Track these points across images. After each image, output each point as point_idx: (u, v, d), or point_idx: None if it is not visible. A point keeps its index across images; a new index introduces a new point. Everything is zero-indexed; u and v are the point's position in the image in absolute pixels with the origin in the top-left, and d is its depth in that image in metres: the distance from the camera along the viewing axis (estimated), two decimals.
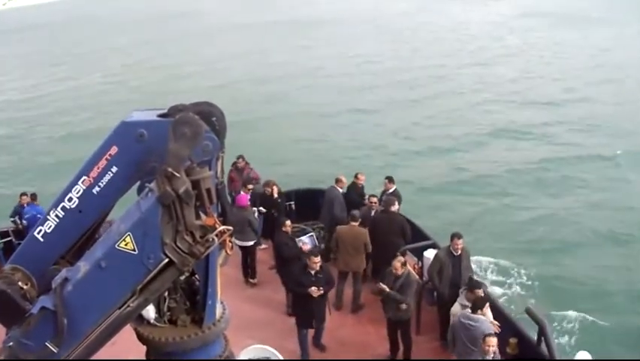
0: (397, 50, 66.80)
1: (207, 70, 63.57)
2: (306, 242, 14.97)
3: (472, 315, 11.71)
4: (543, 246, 24.54)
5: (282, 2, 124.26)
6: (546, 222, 26.17)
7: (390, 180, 17.57)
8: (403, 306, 13.04)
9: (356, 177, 18.15)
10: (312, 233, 14.90)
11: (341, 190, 17.57)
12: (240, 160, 19.55)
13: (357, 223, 15.25)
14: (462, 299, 12.74)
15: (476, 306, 11.84)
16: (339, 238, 15.30)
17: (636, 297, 20.85)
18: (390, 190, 17.36)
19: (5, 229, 18.46)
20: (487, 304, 12.08)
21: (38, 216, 17.61)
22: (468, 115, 42.16)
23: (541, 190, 29.65)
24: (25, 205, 18.59)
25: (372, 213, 16.49)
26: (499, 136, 37.82)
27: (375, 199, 16.82)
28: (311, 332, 13.93)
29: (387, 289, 13.07)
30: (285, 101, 46.67)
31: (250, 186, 17.23)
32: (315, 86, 50.79)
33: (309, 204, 18.57)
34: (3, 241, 18.49)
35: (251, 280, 17.05)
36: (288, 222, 15.10)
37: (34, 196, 18.95)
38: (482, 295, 12.37)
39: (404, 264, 13.30)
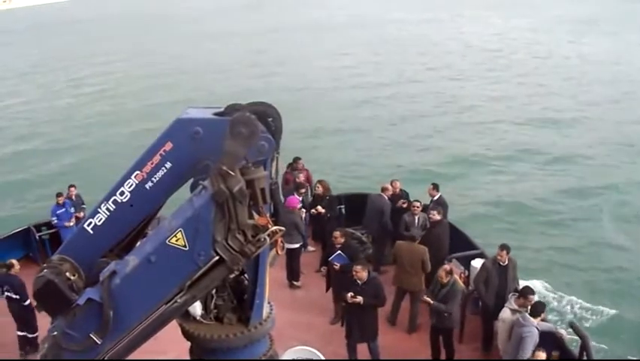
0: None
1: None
2: (336, 263, 14.57)
3: (528, 317, 11.76)
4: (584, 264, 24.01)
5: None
6: (598, 247, 25.52)
7: (435, 187, 17.34)
8: (445, 314, 12.94)
9: (392, 184, 18.03)
10: (339, 252, 14.53)
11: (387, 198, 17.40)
12: (298, 163, 19.47)
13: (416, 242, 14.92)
14: (511, 304, 12.64)
15: (537, 310, 11.90)
16: (396, 253, 14.91)
17: None
18: (435, 198, 17.10)
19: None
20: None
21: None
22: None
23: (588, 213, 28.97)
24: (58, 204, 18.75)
25: (416, 221, 16.34)
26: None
27: (418, 204, 16.69)
28: (364, 347, 13.56)
29: (432, 302, 12.97)
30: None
31: (302, 190, 17.25)
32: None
33: (357, 208, 18.40)
34: (49, 232, 18.76)
35: (294, 283, 17.00)
36: (338, 234, 14.80)
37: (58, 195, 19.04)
38: (532, 300, 12.35)
39: (450, 272, 13.18)
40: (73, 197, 19.23)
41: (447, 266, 13.44)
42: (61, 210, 18.34)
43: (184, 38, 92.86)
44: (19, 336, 14.69)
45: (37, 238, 18.45)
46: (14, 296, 14.25)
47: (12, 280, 14.33)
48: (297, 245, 16.61)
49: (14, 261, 14.68)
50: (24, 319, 14.50)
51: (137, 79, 62.40)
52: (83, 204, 19.39)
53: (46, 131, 45.84)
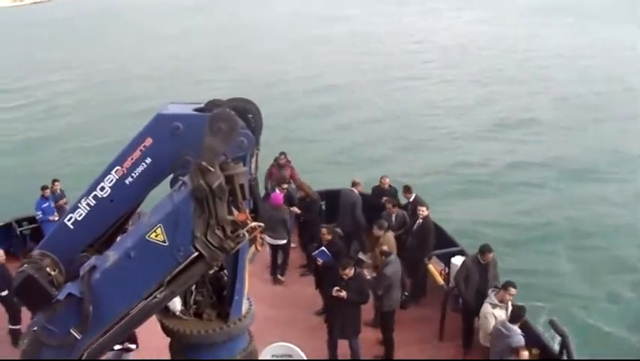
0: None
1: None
2: (319, 258, 14.59)
3: (510, 325, 11.81)
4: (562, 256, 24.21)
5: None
6: (576, 233, 25.77)
7: (407, 189, 17.32)
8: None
9: (381, 180, 18.04)
10: (322, 248, 14.56)
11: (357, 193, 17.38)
12: (282, 157, 19.40)
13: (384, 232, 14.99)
14: (491, 298, 12.77)
15: (517, 315, 11.93)
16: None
17: None
18: (412, 199, 17.09)
19: (34, 215, 18.56)
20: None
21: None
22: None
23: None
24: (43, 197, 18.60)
25: (393, 219, 16.39)
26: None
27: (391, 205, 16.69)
28: (345, 344, 13.58)
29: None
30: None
31: (285, 186, 17.11)
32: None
33: (333, 205, 18.42)
34: (31, 227, 18.70)
35: (279, 277, 17.00)
36: (325, 231, 14.69)
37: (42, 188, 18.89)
38: (514, 293, 12.60)
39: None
40: (58, 191, 19.09)
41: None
42: (45, 205, 18.19)
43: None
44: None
45: (19, 232, 18.39)
46: None
47: None
48: (283, 241, 16.60)
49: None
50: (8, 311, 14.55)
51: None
52: (65, 198, 19.20)
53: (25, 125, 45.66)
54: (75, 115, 46.82)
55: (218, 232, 6.54)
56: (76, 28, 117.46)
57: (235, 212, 6.68)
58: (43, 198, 18.38)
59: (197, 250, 6.55)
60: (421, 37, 76.41)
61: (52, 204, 18.49)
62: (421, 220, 15.65)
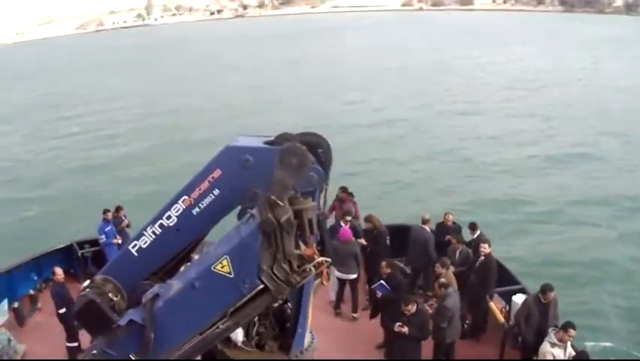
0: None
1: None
2: (378, 291, 14.53)
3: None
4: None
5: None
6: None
7: (472, 226, 17.12)
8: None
9: (444, 217, 17.86)
10: (382, 281, 14.52)
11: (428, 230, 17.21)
12: (342, 192, 19.27)
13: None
14: (550, 338, 12.48)
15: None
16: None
17: None
18: (476, 236, 16.88)
19: (95, 238, 18.74)
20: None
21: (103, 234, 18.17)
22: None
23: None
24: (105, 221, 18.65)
25: (457, 255, 16.22)
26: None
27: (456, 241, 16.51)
28: None
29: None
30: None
31: (348, 218, 16.94)
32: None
33: (399, 240, 18.19)
34: (92, 249, 18.77)
35: (354, 315, 16.80)
36: (384, 264, 14.56)
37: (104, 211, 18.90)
38: (573, 335, 12.22)
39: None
40: (123, 218, 19.05)
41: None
42: (108, 228, 18.18)
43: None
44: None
45: (80, 255, 18.50)
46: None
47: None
48: (354, 275, 16.39)
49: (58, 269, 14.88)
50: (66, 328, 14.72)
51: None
52: (127, 220, 19.19)
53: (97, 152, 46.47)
54: (137, 142, 47.43)
55: (285, 266, 6.52)
56: (145, 56, 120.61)
57: (302, 246, 6.65)
58: (106, 221, 18.37)
59: (262, 282, 6.53)
60: (485, 70, 76.16)
61: (114, 228, 18.58)
62: (483, 257, 15.45)
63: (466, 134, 45.62)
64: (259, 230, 6.32)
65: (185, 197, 6.97)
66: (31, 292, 17.45)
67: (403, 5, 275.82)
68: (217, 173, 6.82)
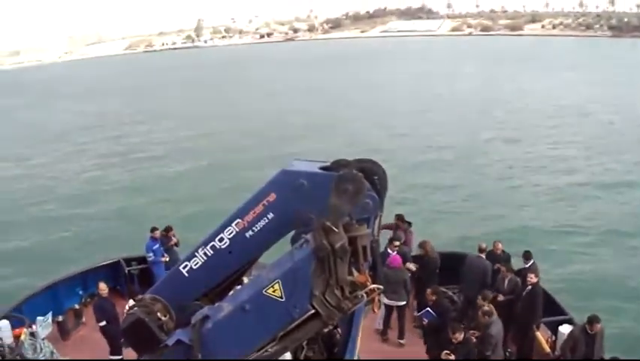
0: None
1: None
2: (424, 318, 14.44)
3: None
4: None
5: None
6: None
7: (526, 255, 16.88)
8: None
9: (494, 245, 17.65)
10: (428, 308, 14.43)
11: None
12: (397, 219, 19.07)
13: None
14: None
15: None
16: None
17: None
18: (529, 265, 16.65)
19: (143, 256, 18.82)
20: None
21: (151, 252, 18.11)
22: None
23: None
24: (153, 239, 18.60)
25: (506, 283, 16.03)
26: None
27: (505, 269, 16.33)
28: None
29: None
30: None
31: (396, 243, 16.86)
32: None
33: (451, 267, 17.96)
34: (139, 267, 18.76)
35: (400, 341, 16.66)
36: (429, 291, 14.56)
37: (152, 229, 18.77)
38: None
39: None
40: (173, 238, 18.85)
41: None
42: (155, 246, 18.10)
43: None
44: None
45: (127, 272, 18.57)
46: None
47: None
48: (403, 302, 16.25)
49: (102, 284, 15.09)
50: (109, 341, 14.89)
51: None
52: (175, 239, 19.03)
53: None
54: (186, 163, 47.65)
55: (337, 292, 6.48)
56: (193, 77, 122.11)
57: (355, 273, 6.61)
58: (153, 239, 18.29)
59: (313, 307, 6.50)
60: (534, 96, 75.00)
61: (162, 246, 18.54)
62: (530, 287, 15.26)
63: (515, 161, 45.17)
64: (313, 255, 6.31)
65: (239, 220, 6.99)
66: (77, 306, 17.56)
67: (453, 30, 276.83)
68: (272, 197, 6.84)
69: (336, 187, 6.26)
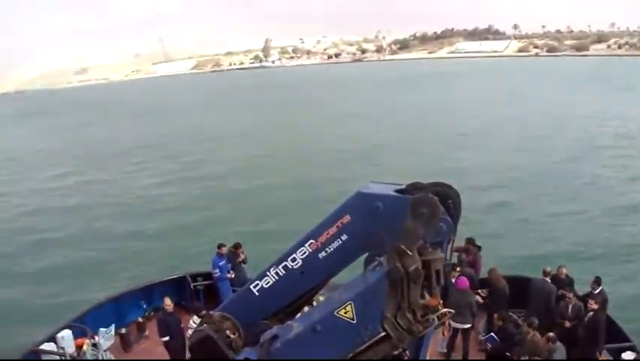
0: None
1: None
2: (488, 343, 14.33)
3: None
4: None
5: None
6: None
7: (596, 280, 16.56)
8: None
9: (558, 270, 17.37)
10: (492, 333, 14.32)
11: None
12: (467, 243, 18.88)
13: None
14: None
15: None
16: None
17: None
18: (597, 291, 16.34)
19: (209, 272, 18.91)
20: None
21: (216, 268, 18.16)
22: None
23: None
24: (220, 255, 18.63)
25: (570, 309, 15.75)
26: None
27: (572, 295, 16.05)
28: None
29: None
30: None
31: (457, 269, 16.77)
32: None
33: (516, 291, 17.71)
34: (205, 283, 18.84)
35: None
36: (496, 316, 14.59)
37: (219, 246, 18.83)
38: None
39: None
40: (241, 255, 18.85)
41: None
42: (222, 262, 18.16)
43: None
44: None
45: (192, 287, 18.72)
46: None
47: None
48: (468, 325, 16.13)
49: (167, 299, 15.28)
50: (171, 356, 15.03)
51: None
52: (243, 256, 18.94)
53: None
54: (251, 181, 47.65)
55: (409, 315, 6.46)
56: (261, 96, 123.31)
57: (427, 296, 6.57)
58: (220, 255, 18.35)
59: (384, 330, 6.49)
60: (604, 118, 73.51)
61: (228, 263, 18.52)
62: (591, 313, 15.01)
63: (585, 186, 44.31)
64: (386, 278, 6.31)
65: (312, 240, 7.03)
66: (140, 319, 17.85)
67: (519, 51, 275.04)
68: (346, 218, 6.86)
69: (411, 211, 6.26)
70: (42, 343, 15.25)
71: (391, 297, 6.39)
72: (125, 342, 16.68)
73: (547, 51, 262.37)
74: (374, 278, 6.40)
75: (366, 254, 6.96)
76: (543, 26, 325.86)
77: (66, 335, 15.35)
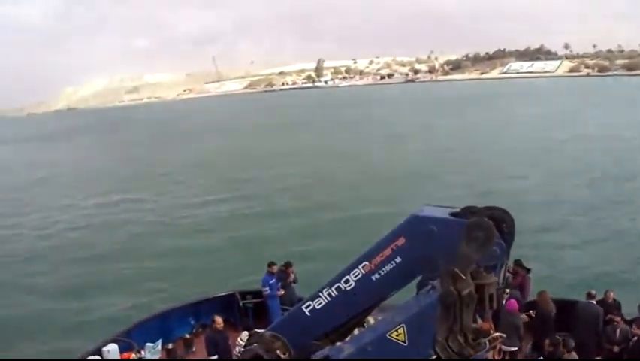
0: None
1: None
2: None
3: None
4: None
5: None
6: None
7: None
8: None
9: (605, 294, 17.10)
10: (541, 358, 14.16)
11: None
12: (515, 265, 18.69)
13: None
14: None
15: None
16: None
17: None
18: None
19: (258, 290, 18.96)
20: None
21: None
22: None
23: None
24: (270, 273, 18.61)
25: (617, 333, 15.51)
26: None
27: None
28: None
29: None
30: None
31: (507, 290, 16.63)
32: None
33: (565, 315, 17.47)
34: (254, 301, 18.63)
35: None
36: (547, 342, 14.38)
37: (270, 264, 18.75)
38: None
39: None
40: (291, 275, 18.61)
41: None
42: (272, 281, 17.99)
43: None
44: None
45: (241, 305, 18.65)
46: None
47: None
48: (514, 348, 15.99)
49: (217, 317, 15.26)
50: None
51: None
52: (293, 275, 19.02)
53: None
54: (304, 200, 47.72)
55: (460, 338, 6.48)
56: (312, 116, 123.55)
57: (479, 320, 6.55)
58: (270, 274, 18.19)
59: (435, 353, 6.50)
60: None
61: (279, 281, 18.48)
62: (636, 338, 14.77)
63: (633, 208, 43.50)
64: (439, 302, 6.33)
65: (366, 263, 7.05)
66: (187, 335, 17.84)
67: (570, 71, 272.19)
68: (401, 241, 6.88)
69: (467, 234, 6.28)
70: (88, 356, 15.39)
71: (444, 320, 6.41)
72: (171, 358, 16.74)
73: (599, 71, 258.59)
74: (427, 301, 6.43)
75: (420, 277, 6.96)
76: (594, 45, 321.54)
77: (112, 348, 15.47)
